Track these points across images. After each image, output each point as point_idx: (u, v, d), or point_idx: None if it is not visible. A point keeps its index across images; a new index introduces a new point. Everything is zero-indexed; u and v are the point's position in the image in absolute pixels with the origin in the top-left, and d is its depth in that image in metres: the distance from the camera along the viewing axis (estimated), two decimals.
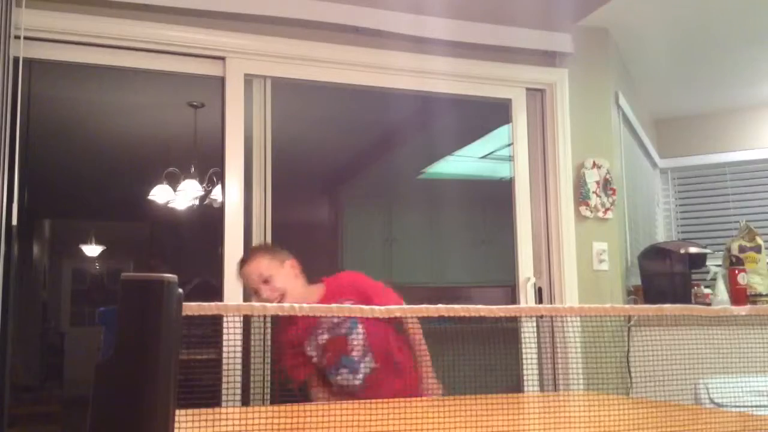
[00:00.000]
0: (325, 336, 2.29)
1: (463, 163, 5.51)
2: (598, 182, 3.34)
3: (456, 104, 3.52)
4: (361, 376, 2.26)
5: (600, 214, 3.32)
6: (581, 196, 3.31)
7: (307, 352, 2.32)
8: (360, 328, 2.28)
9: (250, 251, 2.53)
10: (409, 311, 1.09)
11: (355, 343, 2.28)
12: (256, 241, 2.91)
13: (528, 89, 3.40)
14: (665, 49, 3.75)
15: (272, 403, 2.75)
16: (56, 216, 8.22)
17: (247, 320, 2.64)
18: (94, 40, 2.73)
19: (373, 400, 1.98)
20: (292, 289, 2.28)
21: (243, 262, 2.37)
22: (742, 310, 1.28)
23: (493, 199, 4.27)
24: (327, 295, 2.33)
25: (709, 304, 3.22)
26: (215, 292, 2.82)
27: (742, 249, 3.54)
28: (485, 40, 3.24)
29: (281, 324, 2.41)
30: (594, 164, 3.35)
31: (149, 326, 0.80)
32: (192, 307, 0.96)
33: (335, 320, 2.27)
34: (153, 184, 5.00)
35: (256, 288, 2.27)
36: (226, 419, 1.22)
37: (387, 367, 2.27)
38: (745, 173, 4.65)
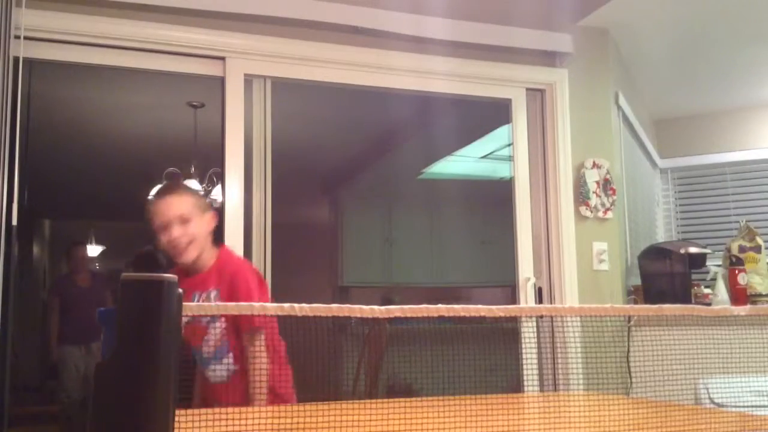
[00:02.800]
0: (187, 317, 2.18)
1: (463, 163, 5.51)
2: (598, 182, 3.34)
3: (456, 104, 3.52)
4: (213, 375, 2.14)
5: (600, 214, 3.32)
6: (581, 196, 3.31)
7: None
8: (219, 324, 2.13)
9: (174, 186, 2.41)
10: (409, 311, 1.09)
11: (211, 337, 2.14)
12: (256, 241, 2.91)
13: (528, 89, 3.40)
14: (665, 49, 3.75)
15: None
16: (56, 216, 8.21)
17: None
18: (94, 40, 2.73)
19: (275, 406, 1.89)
20: (201, 241, 2.13)
21: (165, 193, 2.19)
22: (742, 310, 1.28)
23: (493, 199, 4.27)
24: (214, 268, 2.19)
25: (709, 304, 3.22)
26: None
27: (742, 249, 3.54)
28: (485, 40, 3.24)
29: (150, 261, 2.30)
30: (594, 164, 3.35)
31: (149, 326, 0.80)
32: (192, 307, 0.96)
33: (205, 300, 2.12)
34: (153, 184, 5.00)
35: (169, 224, 2.09)
36: (226, 419, 1.21)
37: (241, 374, 2.12)
38: (745, 173, 4.65)
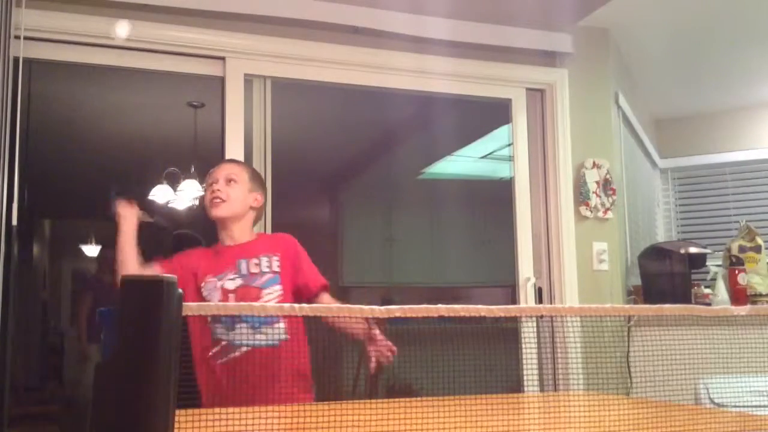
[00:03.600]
0: (238, 281, 2.17)
1: (463, 163, 5.50)
2: (598, 182, 3.34)
3: (456, 104, 3.52)
4: (263, 339, 2.12)
5: (600, 214, 3.32)
6: (581, 196, 3.31)
7: (201, 291, 2.16)
8: (279, 288, 2.18)
9: (236, 159, 2.62)
10: (409, 311, 1.09)
11: (267, 300, 2.16)
12: None
13: (528, 89, 3.40)
14: (665, 49, 3.75)
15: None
16: (56, 216, 8.21)
17: None
18: (94, 40, 2.73)
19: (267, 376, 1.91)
20: (237, 206, 2.24)
21: (225, 161, 2.44)
22: (742, 310, 1.28)
23: (493, 199, 4.27)
24: (262, 239, 2.34)
25: (709, 304, 3.22)
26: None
27: (742, 249, 3.55)
28: (485, 40, 3.24)
29: (186, 242, 2.33)
30: (594, 164, 3.35)
31: (149, 326, 0.80)
32: (192, 308, 0.96)
33: (252, 269, 2.20)
34: (153, 184, 5.00)
35: (215, 181, 2.25)
36: (226, 419, 1.21)
37: (296, 345, 2.15)
38: (745, 173, 4.65)
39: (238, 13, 2.89)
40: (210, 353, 2.11)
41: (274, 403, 1.89)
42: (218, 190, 2.23)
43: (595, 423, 1.23)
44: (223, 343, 2.10)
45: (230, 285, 2.16)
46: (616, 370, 3.04)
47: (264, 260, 2.21)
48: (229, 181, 2.25)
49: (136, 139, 5.33)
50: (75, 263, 8.95)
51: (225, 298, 2.13)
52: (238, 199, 2.25)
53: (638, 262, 3.45)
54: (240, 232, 2.26)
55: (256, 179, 2.36)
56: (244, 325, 2.11)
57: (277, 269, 2.21)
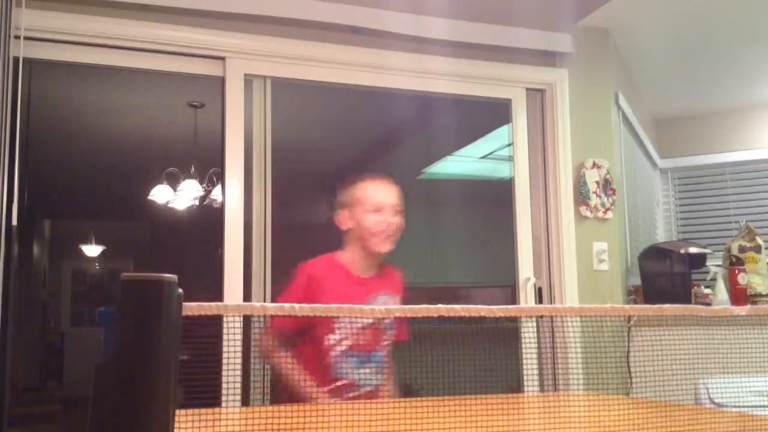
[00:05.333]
0: (370, 319, 2.05)
1: (463, 163, 5.50)
2: (598, 182, 3.34)
3: (456, 104, 3.52)
4: (375, 382, 2.04)
5: (600, 214, 3.32)
6: (581, 196, 3.31)
7: (334, 324, 2.04)
8: (394, 333, 2.13)
9: (384, 176, 2.27)
10: (409, 311, 1.09)
11: (386, 343, 2.11)
12: (256, 241, 2.91)
13: (528, 89, 3.40)
14: (665, 49, 3.74)
15: (272, 403, 2.75)
16: (56, 216, 8.21)
17: (247, 320, 2.63)
18: (94, 40, 2.73)
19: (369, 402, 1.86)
20: (397, 237, 2.12)
21: (380, 178, 2.17)
22: (742, 310, 1.28)
23: (493, 199, 4.27)
24: (386, 274, 2.20)
25: (709, 304, 3.22)
26: None
27: (742, 249, 3.55)
28: (485, 40, 3.24)
29: (322, 271, 2.10)
30: (594, 164, 3.35)
31: (149, 326, 0.80)
32: (192, 307, 0.96)
33: (386, 302, 2.08)
34: (153, 184, 5.00)
35: (383, 208, 2.08)
36: (226, 419, 1.21)
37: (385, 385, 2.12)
38: (745, 173, 4.65)
39: (238, 13, 2.89)
40: (328, 388, 2.01)
41: None
42: (391, 223, 2.09)
43: (595, 423, 1.23)
44: (344, 381, 2.02)
45: (361, 323, 2.07)
46: (616, 370, 3.04)
47: (391, 298, 2.14)
48: (397, 212, 2.12)
49: (136, 139, 5.33)
50: (75, 263, 8.96)
51: (359, 335, 2.05)
52: (399, 234, 2.13)
53: (638, 262, 3.45)
54: (379, 264, 2.16)
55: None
56: (372, 366, 2.07)
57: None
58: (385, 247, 2.11)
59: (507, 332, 3.31)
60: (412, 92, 3.26)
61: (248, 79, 2.95)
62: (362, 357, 2.05)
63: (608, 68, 3.49)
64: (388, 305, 2.05)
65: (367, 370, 2.05)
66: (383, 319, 2.06)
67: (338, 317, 2.03)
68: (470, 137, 4.90)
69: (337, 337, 2.05)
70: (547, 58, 3.39)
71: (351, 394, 2.03)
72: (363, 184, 2.15)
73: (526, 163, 3.35)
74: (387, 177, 2.20)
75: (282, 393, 2.11)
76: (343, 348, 2.05)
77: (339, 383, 2.02)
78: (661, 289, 3.28)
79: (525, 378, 3.12)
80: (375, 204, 2.09)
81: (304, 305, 1.09)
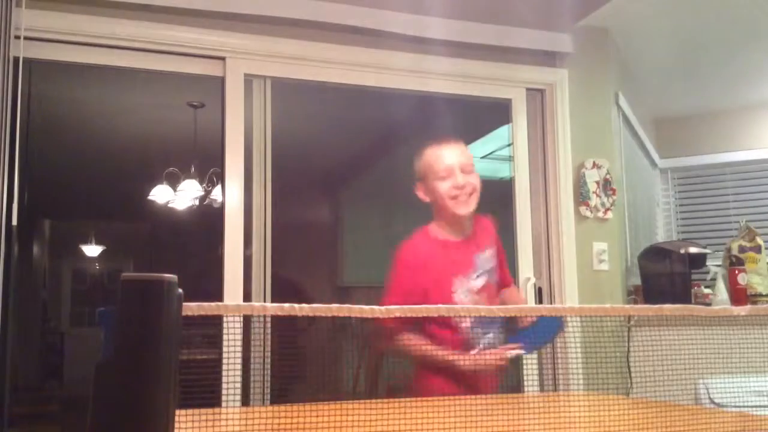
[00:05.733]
0: (482, 279, 2.02)
1: None
2: (598, 182, 3.34)
3: (456, 104, 3.52)
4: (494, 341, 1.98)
5: (600, 214, 3.32)
6: (581, 196, 3.31)
7: (454, 295, 2.00)
8: (496, 280, 2.09)
9: (450, 138, 2.21)
10: (409, 311, 1.09)
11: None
12: (256, 241, 2.91)
13: (528, 89, 3.40)
14: (665, 49, 3.74)
15: (272, 403, 2.75)
16: (56, 216, 8.21)
17: (247, 320, 2.63)
18: (95, 40, 2.73)
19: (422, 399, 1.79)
20: (478, 196, 2.08)
21: (445, 142, 2.11)
22: (742, 310, 1.28)
23: (493, 199, 4.27)
24: (478, 227, 2.15)
25: (709, 304, 3.22)
26: None
27: (742, 249, 3.54)
28: (485, 40, 3.24)
29: (419, 247, 2.08)
30: (594, 164, 3.35)
31: (149, 326, 0.80)
32: (192, 307, 0.96)
33: (488, 264, 2.04)
34: (153, 184, 5.00)
35: (453, 171, 2.05)
36: (226, 419, 1.22)
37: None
38: (745, 173, 4.65)
39: (238, 13, 2.89)
40: (471, 353, 1.99)
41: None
42: (463, 184, 2.04)
43: (595, 423, 1.23)
44: (481, 345, 2.00)
45: (479, 284, 2.04)
46: (616, 370, 3.04)
47: (489, 253, 2.09)
48: (467, 171, 2.07)
49: (136, 139, 5.33)
50: (75, 263, 8.96)
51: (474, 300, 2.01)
52: (478, 186, 2.08)
53: (638, 262, 3.45)
54: (466, 224, 2.11)
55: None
56: (495, 325, 2.03)
57: (494, 263, 2.09)
58: (465, 209, 2.06)
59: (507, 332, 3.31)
60: (412, 92, 3.26)
61: (248, 79, 2.95)
62: (485, 320, 2.02)
63: (608, 68, 3.49)
64: (488, 261, 2.05)
65: (492, 333, 2.01)
66: (489, 274, 2.05)
67: (453, 288, 2.01)
68: (470, 137, 4.90)
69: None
70: (547, 58, 3.39)
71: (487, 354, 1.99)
72: (428, 152, 2.13)
73: (526, 163, 3.35)
74: (451, 137, 2.16)
75: (424, 370, 2.06)
76: (469, 322, 2.03)
77: (474, 351, 2.00)
78: (661, 289, 3.28)
79: (525, 378, 3.12)
80: (443, 170, 2.06)
81: (304, 305, 1.09)
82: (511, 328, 2.03)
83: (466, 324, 2.00)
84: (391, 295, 2.04)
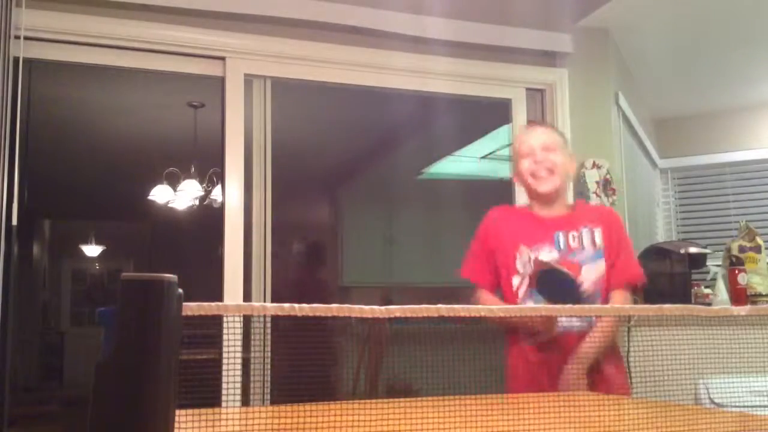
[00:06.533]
0: (554, 254, 2.01)
1: (463, 163, 5.50)
2: (598, 182, 3.34)
3: (456, 104, 3.52)
4: (573, 323, 1.91)
5: None
6: (581, 196, 3.31)
7: (515, 262, 2.04)
8: (603, 264, 1.99)
9: (543, 123, 2.35)
10: (409, 311, 1.09)
11: (593, 274, 1.99)
12: (256, 240, 2.91)
13: (528, 89, 3.40)
14: (665, 49, 3.74)
15: (272, 403, 2.75)
16: (56, 216, 8.22)
17: (247, 320, 2.64)
18: (94, 40, 2.73)
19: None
20: (563, 173, 2.08)
21: (533, 125, 2.21)
22: (742, 310, 1.28)
23: (493, 199, 4.27)
24: (580, 208, 2.16)
25: (709, 304, 3.22)
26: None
27: (742, 249, 3.54)
28: (485, 40, 3.24)
29: (502, 212, 2.17)
30: (594, 164, 3.35)
31: (149, 326, 0.80)
32: (192, 307, 0.96)
33: (572, 243, 2.01)
34: (153, 184, 5.00)
35: (532, 151, 2.07)
36: (226, 419, 1.21)
37: (608, 324, 1.96)
38: (745, 173, 4.65)
39: (238, 13, 2.89)
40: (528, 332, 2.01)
41: (598, 388, 1.86)
42: (540, 161, 2.05)
43: (595, 423, 1.23)
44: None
45: (545, 257, 2.02)
46: None
47: (585, 233, 2.04)
48: (547, 149, 2.07)
49: (136, 139, 5.34)
50: (75, 263, 8.96)
51: (536, 271, 2.00)
52: (563, 167, 2.08)
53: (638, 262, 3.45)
54: (559, 205, 2.11)
55: (565, 142, 2.18)
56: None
57: (600, 244, 2.03)
58: (545, 185, 2.06)
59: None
60: (412, 92, 3.26)
61: (248, 79, 2.95)
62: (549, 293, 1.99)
63: (608, 68, 3.49)
64: (578, 241, 2.01)
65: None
66: (573, 254, 2.01)
67: (517, 254, 2.03)
68: (470, 137, 4.90)
69: (518, 278, 2.05)
70: (547, 58, 3.39)
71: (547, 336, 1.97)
72: (517, 136, 2.19)
73: None
74: (541, 121, 2.21)
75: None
76: (525, 289, 2.04)
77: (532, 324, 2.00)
78: (661, 289, 3.27)
79: None
80: (524, 150, 2.10)
81: (304, 305, 1.09)
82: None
83: (522, 290, 2.03)
84: (467, 255, 2.17)
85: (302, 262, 4.34)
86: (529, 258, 2.03)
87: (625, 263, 2.05)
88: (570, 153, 2.16)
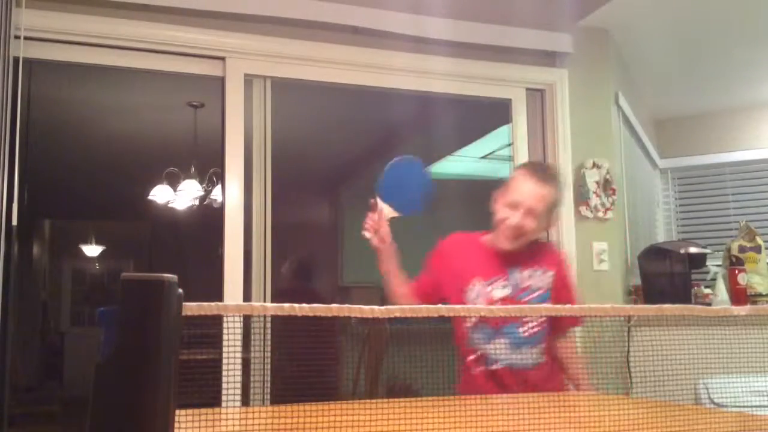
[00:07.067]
0: (507, 290, 2.02)
1: (463, 163, 5.50)
2: (598, 182, 3.34)
3: (456, 104, 3.52)
4: (519, 359, 1.98)
5: (600, 214, 3.32)
6: (581, 196, 3.31)
7: (466, 294, 2.04)
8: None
9: (548, 172, 2.14)
10: (409, 311, 1.09)
11: (533, 320, 2.02)
12: (256, 241, 2.91)
13: (528, 89, 3.40)
14: (665, 49, 3.75)
15: (272, 403, 2.75)
16: (56, 216, 8.22)
17: (247, 320, 2.64)
18: (94, 40, 2.73)
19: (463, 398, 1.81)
20: (529, 237, 2.05)
21: (537, 176, 2.05)
22: (742, 310, 1.28)
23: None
24: (536, 251, 2.12)
25: (709, 304, 3.22)
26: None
27: (742, 249, 3.55)
28: (485, 40, 3.24)
29: (460, 241, 2.17)
30: (594, 164, 3.35)
31: (149, 326, 0.80)
32: (192, 307, 0.96)
33: (524, 282, 2.04)
34: (153, 184, 5.00)
35: (519, 206, 2.01)
36: (226, 419, 1.21)
37: (552, 368, 2.08)
38: (745, 173, 4.65)
39: (238, 13, 2.89)
40: (469, 358, 2.05)
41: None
42: (517, 225, 2.01)
43: (595, 423, 1.23)
44: (479, 353, 2.03)
45: (498, 294, 2.04)
46: (616, 370, 3.04)
47: (539, 274, 2.07)
48: (530, 213, 2.01)
49: (136, 139, 5.34)
50: (75, 263, 8.96)
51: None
52: (534, 232, 2.05)
53: (638, 262, 3.45)
54: (523, 244, 2.08)
55: (557, 197, 2.10)
56: (503, 340, 2.01)
57: (549, 286, 2.06)
58: (506, 244, 2.05)
59: None
60: (412, 92, 3.26)
61: (248, 79, 2.95)
62: (490, 331, 2.02)
63: (608, 68, 3.49)
64: (531, 281, 2.03)
65: (499, 345, 2.00)
66: (526, 293, 2.04)
67: (470, 287, 2.05)
68: (470, 137, 4.90)
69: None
70: (547, 58, 3.39)
71: (493, 367, 2.01)
72: (517, 173, 2.12)
73: None
74: (547, 173, 2.12)
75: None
76: (473, 320, 2.03)
77: (473, 356, 2.04)
78: (661, 289, 3.28)
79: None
80: (512, 199, 2.04)
81: (304, 305, 1.09)
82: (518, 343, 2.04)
83: (471, 320, 2.03)
84: (419, 276, 2.17)
85: (295, 276, 4.33)
86: (482, 291, 2.05)
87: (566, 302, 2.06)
88: (553, 209, 2.08)
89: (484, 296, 2.04)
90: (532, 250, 2.10)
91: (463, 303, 2.05)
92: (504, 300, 2.03)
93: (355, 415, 1.15)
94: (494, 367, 2.02)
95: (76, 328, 8.48)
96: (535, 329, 2.04)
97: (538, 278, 2.07)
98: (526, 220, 2.01)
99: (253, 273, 2.88)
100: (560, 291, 2.08)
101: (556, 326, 2.08)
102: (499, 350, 2.00)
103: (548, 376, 2.05)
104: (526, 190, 2.03)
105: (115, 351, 0.79)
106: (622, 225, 3.51)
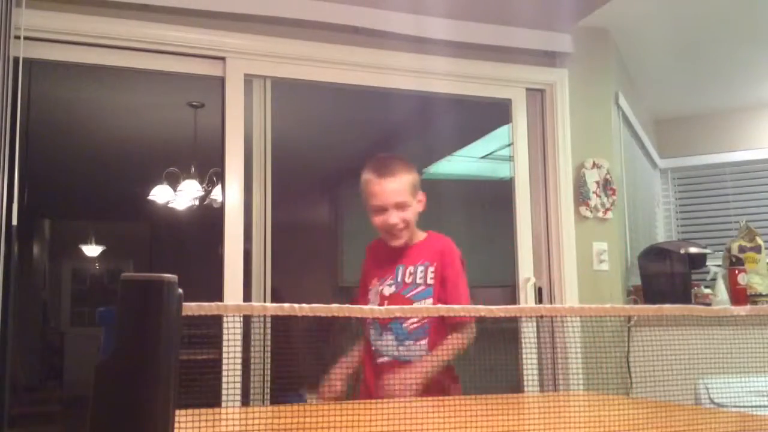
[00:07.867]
0: (393, 288, 2.10)
1: (463, 163, 5.50)
2: (598, 182, 3.34)
3: (456, 104, 3.52)
4: (405, 354, 2.02)
5: (600, 214, 3.32)
6: (581, 196, 3.31)
7: (369, 296, 2.16)
8: (431, 302, 2.03)
9: (389, 164, 2.13)
10: (410, 311, 1.09)
11: (413, 319, 2.04)
12: (256, 241, 2.91)
13: (528, 89, 3.40)
14: (665, 49, 3.75)
15: (272, 403, 2.75)
16: (56, 216, 8.22)
17: (247, 320, 2.63)
18: (94, 40, 2.73)
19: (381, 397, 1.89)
20: (413, 223, 2.10)
21: (384, 173, 2.07)
22: (742, 310, 1.28)
23: (493, 199, 4.27)
24: (424, 243, 2.15)
25: (709, 304, 3.22)
26: None
27: (742, 249, 3.54)
28: (485, 40, 3.24)
29: (373, 245, 2.25)
30: (594, 164, 3.35)
31: (149, 326, 0.80)
32: (192, 307, 0.96)
33: (407, 278, 2.08)
34: (153, 184, 5.00)
35: (386, 209, 2.05)
36: (226, 419, 1.22)
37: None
38: (745, 173, 4.65)
39: (238, 13, 2.88)
40: (368, 353, 2.14)
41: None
42: (395, 224, 2.05)
43: (595, 423, 1.23)
44: (373, 348, 2.11)
45: (387, 291, 2.10)
46: (616, 370, 3.04)
47: (420, 270, 2.09)
48: (401, 207, 2.05)
49: (136, 139, 5.34)
50: (75, 263, 8.96)
51: (382, 305, 2.04)
52: (413, 219, 2.10)
53: (638, 262, 3.45)
54: (409, 237, 2.12)
55: (415, 178, 2.13)
56: (390, 336, 2.05)
57: (431, 281, 2.08)
58: (396, 242, 2.11)
59: (507, 332, 3.31)
60: (412, 92, 3.26)
61: (248, 79, 2.95)
62: (379, 327, 2.08)
63: (608, 68, 3.49)
64: (413, 276, 2.07)
65: (387, 341, 2.06)
66: (408, 289, 2.07)
67: (371, 287, 2.15)
68: (470, 137, 4.90)
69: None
70: (547, 58, 3.39)
71: (379, 361, 2.09)
72: (365, 179, 2.12)
73: (526, 163, 3.35)
74: (389, 167, 2.10)
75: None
76: (369, 319, 2.10)
77: (367, 352, 2.14)
78: (661, 289, 3.27)
79: (525, 378, 3.12)
80: (376, 206, 2.08)
81: (304, 305, 1.09)
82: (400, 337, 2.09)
83: (369, 322, 2.13)
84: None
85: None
86: (377, 291, 2.13)
87: (451, 293, 2.05)
88: (417, 191, 2.10)
89: (378, 295, 2.12)
90: (419, 246, 2.14)
91: (367, 304, 2.14)
92: (390, 297, 2.08)
93: (355, 415, 1.15)
94: (380, 360, 2.08)
95: (76, 328, 8.48)
96: (416, 325, 2.05)
97: (420, 273, 2.09)
98: (398, 216, 2.06)
99: (253, 273, 2.88)
100: (444, 284, 2.07)
101: (447, 321, 2.06)
102: (386, 345, 2.07)
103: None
104: (380, 190, 2.06)
105: (114, 351, 0.79)
106: (622, 225, 3.51)
